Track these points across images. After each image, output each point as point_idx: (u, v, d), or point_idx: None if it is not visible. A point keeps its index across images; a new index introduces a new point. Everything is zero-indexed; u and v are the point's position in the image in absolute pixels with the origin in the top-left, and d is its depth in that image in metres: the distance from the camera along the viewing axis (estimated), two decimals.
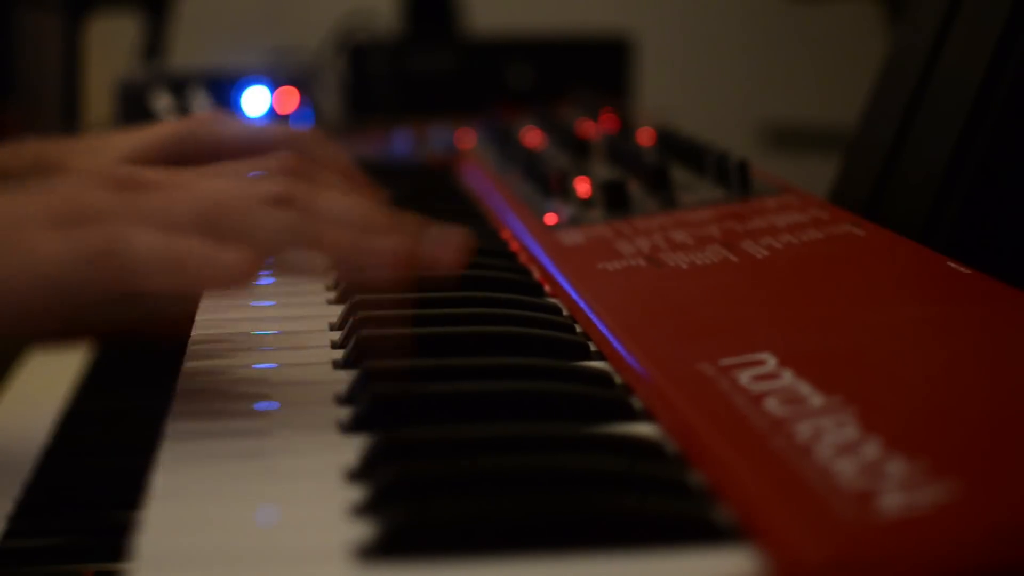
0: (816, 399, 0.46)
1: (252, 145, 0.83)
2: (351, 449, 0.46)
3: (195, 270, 0.49)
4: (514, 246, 0.78)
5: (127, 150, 0.81)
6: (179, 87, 1.48)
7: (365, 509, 0.42)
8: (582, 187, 0.83)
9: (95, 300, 0.51)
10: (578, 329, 0.61)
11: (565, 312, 0.64)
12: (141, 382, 0.92)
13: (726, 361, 0.51)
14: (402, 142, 1.21)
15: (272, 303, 0.69)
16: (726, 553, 0.39)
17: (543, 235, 0.76)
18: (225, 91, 1.47)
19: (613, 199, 0.78)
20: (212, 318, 0.65)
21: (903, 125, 0.76)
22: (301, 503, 0.43)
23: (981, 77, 0.69)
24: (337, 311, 0.65)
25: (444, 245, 0.55)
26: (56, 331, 0.53)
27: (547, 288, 0.69)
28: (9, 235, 0.50)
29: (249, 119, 0.87)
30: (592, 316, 0.60)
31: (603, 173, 0.89)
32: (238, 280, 0.49)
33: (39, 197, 0.52)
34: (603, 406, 0.51)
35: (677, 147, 0.90)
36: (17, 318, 0.50)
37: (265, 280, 0.74)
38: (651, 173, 0.81)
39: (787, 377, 0.48)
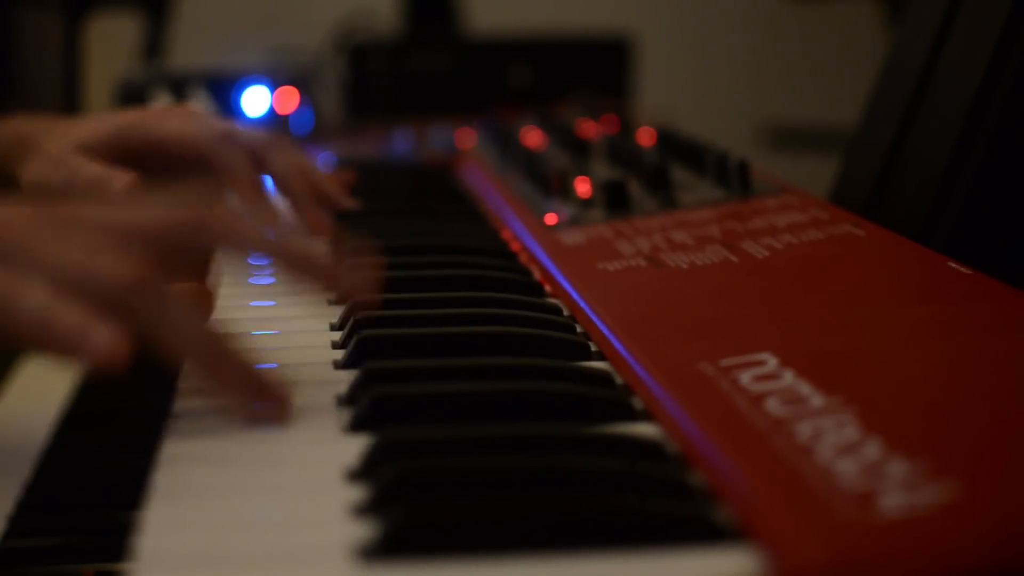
0: (817, 399, 0.46)
1: (193, 148, 0.84)
2: (352, 449, 0.46)
3: (64, 340, 0.49)
4: (514, 246, 0.78)
5: (82, 138, 0.83)
6: (179, 87, 1.48)
7: (366, 509, 0.42)
8: (582, 187, 0.83)
9: None
10: (579, 329, 0.61)
11: (566, 312, 0.64)
12: (141, 382, 0.92)
13: (727, 361, 0.51)
14: (402, 142, 1.21)
15: (272, 303, 0.69)
16: (727, 553, 0.39)
17: (543, 235, 0.76)
18: (225, 91, 1.47)
19: (613, 199, 0.78)
20: (212, 318, 0.65)
21: (903, 125, 0.76)
22: (302, 503, 0.43)
23: (981, 77, 0.69)
24: (337, 311, 0.65)
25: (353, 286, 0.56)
26: None
27: (548, 288, 0.69)
28: None
29: (210, 117, 0.87)
30: (593, 316, 0.60)
31: (603, 173, 0.89)
32: (102, 361, 0.48)
33: None
34: (604, 406, 0.51)
35: (677, 147, 0.90)
36: None
37: (265, 280, 0.74)
38: (651, 173, 0.81)
39: (788, 377, 0.48)
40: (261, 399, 0.51)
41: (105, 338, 0.48)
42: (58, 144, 0.83)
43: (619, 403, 0.51)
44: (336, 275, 0.56)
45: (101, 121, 0.86)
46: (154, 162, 0.85)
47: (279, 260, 0.55)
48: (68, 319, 0.49)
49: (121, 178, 0.80)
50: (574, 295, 0.64)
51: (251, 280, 0.74)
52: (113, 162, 0.83)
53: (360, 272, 0.56)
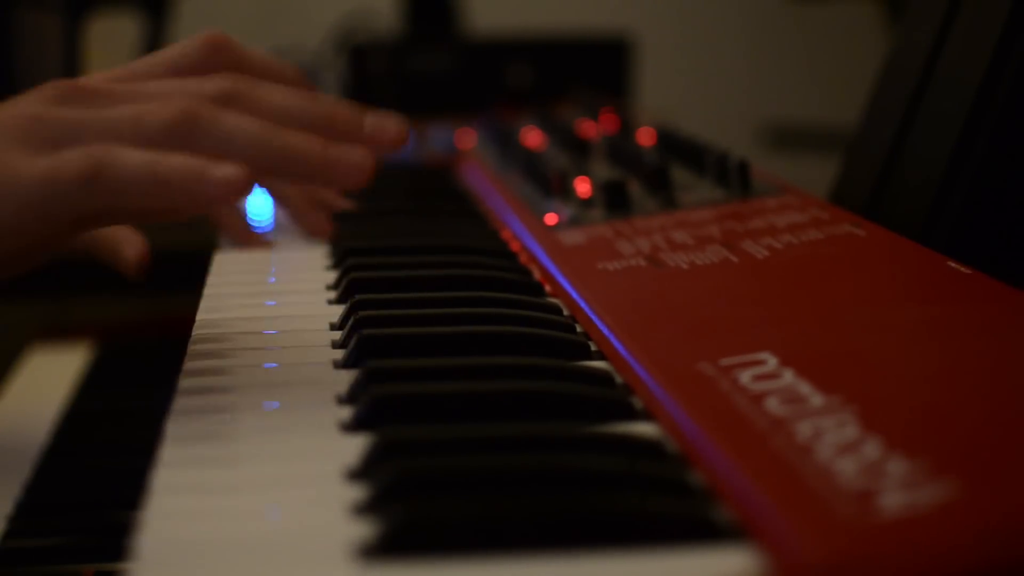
0: (816, 399, 0.46)
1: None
2: (352, 449, 0.46)
3: (187, 186, 0.48)
4: (514, 246, 0.78)
5: None
6: None
7: (366, 508, 0.42)
8: (582, 187, 0.83)
9: (79, 220, 0.50)
10: (578, 329, 0.61)
11: (566, 312, 0.64)
12: (141, 382, 0.92)
13: (726, 361, 0.51)
14: None
15: (272, 303, 0.69)
16: (726, 553, 0.39)
17: (543, 235, 0.76)
18: None
19: (613, 199, 0.78)
20: (212, 318, 0.65)
21: (903, 125, 0.76)
22: (302, 502, 0.43)
23: (981, 77, 0.69)
24: (337, 311, 0.65)
25: (389, 129, 0.55)
26: (19, 255, 0.53)
27: (548, 288, 0.69)
28: None
29: None
30: (592, 316, 0.60)
31: (603, 173, 0.89)
32: (233, 195, 0.48)
33: (1, 124, 0.51)
34: (604, 406, 0.51)
35: (677, 147, 0.90)
36: (4, 242, 0.50)
37: (265, 280, 0.74)
38: (651, 173, 0.81)
39: (787, 377, 0.48)
40: (346, 174, 0.51)
41: (226, 169, 0.48)
42: None
43: (619, 403, 0.51)
44: (362, 124, 0.55)
45: None
46: None
47: (308, 117, 0.54)
48: (176, 162, 0.48)
49: (132, 244, 0.77)
50: (574, 295, 0.64)
51: (251, 280, 0.74)
52: None
53: (385, 120, 0.55)
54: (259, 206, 0.94)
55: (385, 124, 0.55)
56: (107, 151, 0.49)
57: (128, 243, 0.77)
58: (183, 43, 0.57)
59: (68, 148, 0.49)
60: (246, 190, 0.49)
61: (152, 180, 0.48)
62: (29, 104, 0.52)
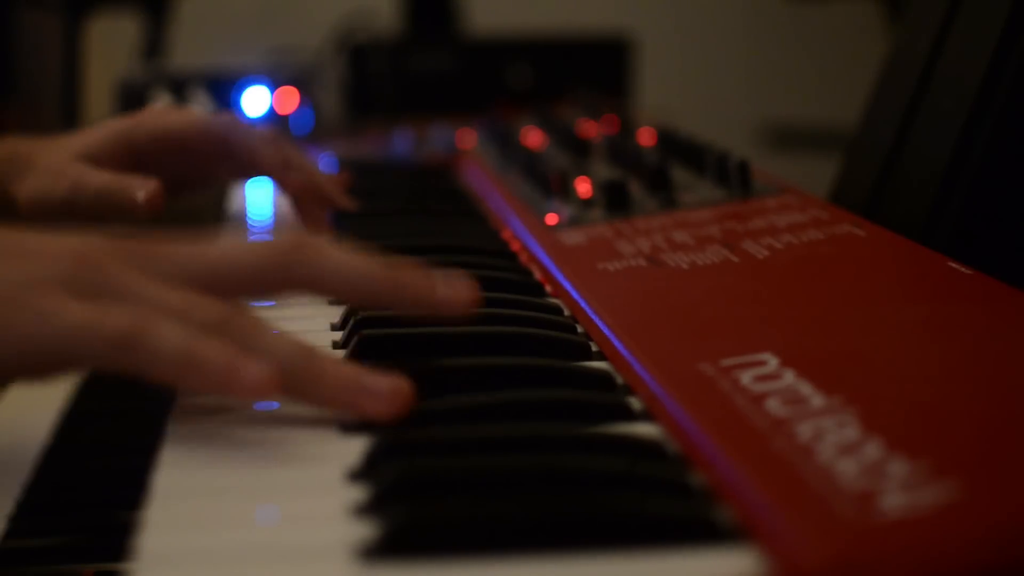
0: (817, 399, 0.46)
1: (208, 133, 0.84)
2: (353, 449, 0.46)
3: (214, 375, 0.48)
4: (515, 246, 0.78)
5: (81, 148, 0.82)
6: (179, 87, 1.48)
7: (367, 509, 0.42)
8: (582, 187, 0.83)
9: (99, 370, 0.51)
10: (579, 329, 0.61)
11: (566, 312, 0.64)
12: (141, 382, 0.92)
13: (727, 361, 0.51)
14: (402, 142, 1.21)
15: (272, 303, 0.68)
16: (727, 554, 0.39)
17: (544, 235, 0.76)
18: (225, 91, 1.47)
19: (614, 199, 0.78)
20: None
21: (903, 125, 0.76)
22: (302, 503, 0.43)
23: (981, 77, 0.69)
24: (338, 311, 0.65)
25: (456, 292, 0.55)
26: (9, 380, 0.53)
27: (548, 288, 0.69)
28: (27, 295, 0.49)
29: (220, 113, 0.87)
30: (593, 316, 0.60)
31: (603, 173, 0.89)
32: (257, 394, 0.48)
33: (50, 257, 0.51)
34: (604, 406, 0.51)
35: (677, 147, 0.90)
36: (19, 370, 0.50)
37: None
38: (651, 173, 0.81)
39: (788, 377, 0.48)
40: (370, 400, 0.50)
41: (255, 370, 0.48)
42: (56, 156, 0.82)
43: (619, 403, 0.51)
44: (433, 289, 0.55)
45: (99, 128, 0.85)
46: (160, 162, 0.84)
47: (376, 287, 0.54)
48: (213, 353, 0.48)
49: (142, 184, 0.78)
50: (574, 295, 0.64)
51: None
52: (118, 167, 0.82)
53: (455, 283, 0.55)
54: (260, 201, 0.94)
55: (456, 291, 0.55)
56: (151, 320, 0.49)
57: (139, 185, 0.77)
58: (266, 246, 0.56)
59: (116, 307, 0.49)
60: (276, 392, 0.49)
61: (185, 361, 0.48)
62: (84, 246, 0.52)
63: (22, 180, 0.82)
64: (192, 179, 0.85)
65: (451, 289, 0.55)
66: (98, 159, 0.82)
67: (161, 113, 0.86)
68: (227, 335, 0.49)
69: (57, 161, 0.81)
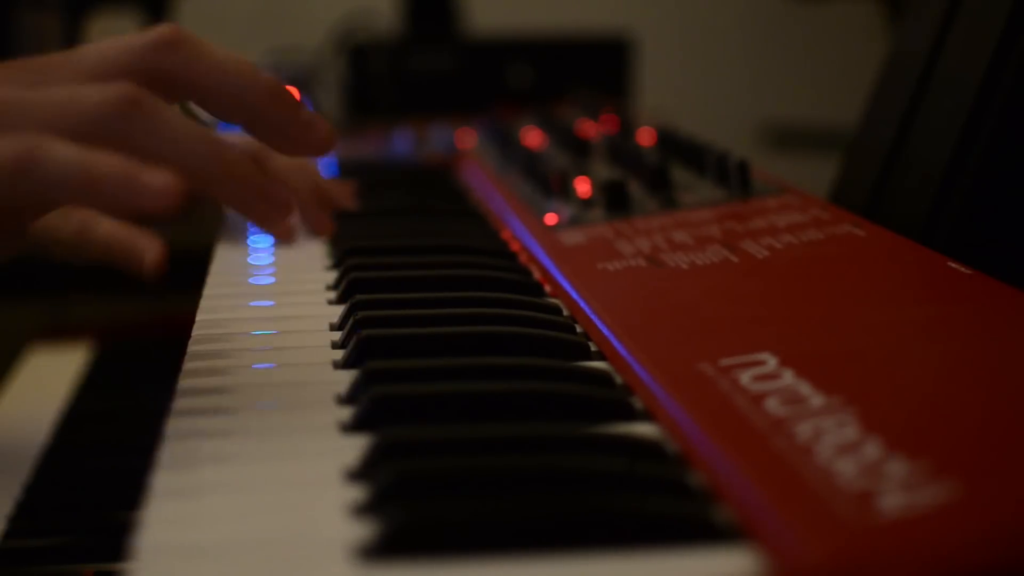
0: (816, 399, 0.46)
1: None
2: (351, 449, 0.46)
3: (116, 190, 0.46)
4: (514, 246, 0.78)
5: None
6: None
7: (365, 509, 0.42)
8: (582, 187, 0.83)
9: (6, 211, 0.49)
10: (578, 329, 0.61)
11: (565, 312, 0.64)
12: (141, 382, 0.92)
13: (726, 361, 0.51)
14: (402, 142, 1.21)
15: (272, 303, 0.69)
16: (726, 553, 0.39)
17: (543, 235, 0.76)
18: None
19: (613, 199, 0.78)
20: (212, 318, 0.65)
21: (903, 125, 0.76)
22: (301, 503, 0.43)
23: (981, 77, 0.69)
24: (337, 311, 0.65)
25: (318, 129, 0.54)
26: None
27: (547, 288, 0.69)
28: None
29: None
30: (592, 316, 0.60)
31: (603, 173, 0.89)
32: (160, 205, 0.46)
33: None
34: (603, 406, 0.51)
35: (677, 147, 0.90)
36: None
37: (265, 280, 0.74)
38: (651, 173, 0.81)
39: (788, 377, 0.48)
40: (273, 210, 0.49)
41: (160, 178, 0.46)
42: None
43: (619, 403, 0.51)
44: (307, 122, 0.54)
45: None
46: None
47: (248, 93, 0.54)
48: (110, 162, 0.46)
49: (148, 247, 0.77)
50: (574, 295, 0.64)
51: (251, 280, 0.74)
52: None
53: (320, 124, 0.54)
54: None
55: (319, 124, 0.54)
56: (38, 144, 0.47)
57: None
58: (136, 34, 0.54)
59: (4, 135, 0.47)
60: (178, 202, 0.46)
61: (81, 180, 0.46)
62: None
63: None
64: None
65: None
66: None
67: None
68: (126, 132, 0.48)
69: None
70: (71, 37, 1.65)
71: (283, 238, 0.50)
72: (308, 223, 0.83)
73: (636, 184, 0.83)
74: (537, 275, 0.71)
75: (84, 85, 0.49)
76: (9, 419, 0.87)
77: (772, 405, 0.46)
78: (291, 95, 0.54)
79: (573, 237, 0.74)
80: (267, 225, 0.51)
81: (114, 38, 0.54)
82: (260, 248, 0.82)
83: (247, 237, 0.84)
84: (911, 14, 0.82)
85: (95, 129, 0.48)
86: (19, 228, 0.52)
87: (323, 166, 0.99)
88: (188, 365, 0.57)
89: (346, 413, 0.50)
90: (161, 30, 0.53)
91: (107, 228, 0.78)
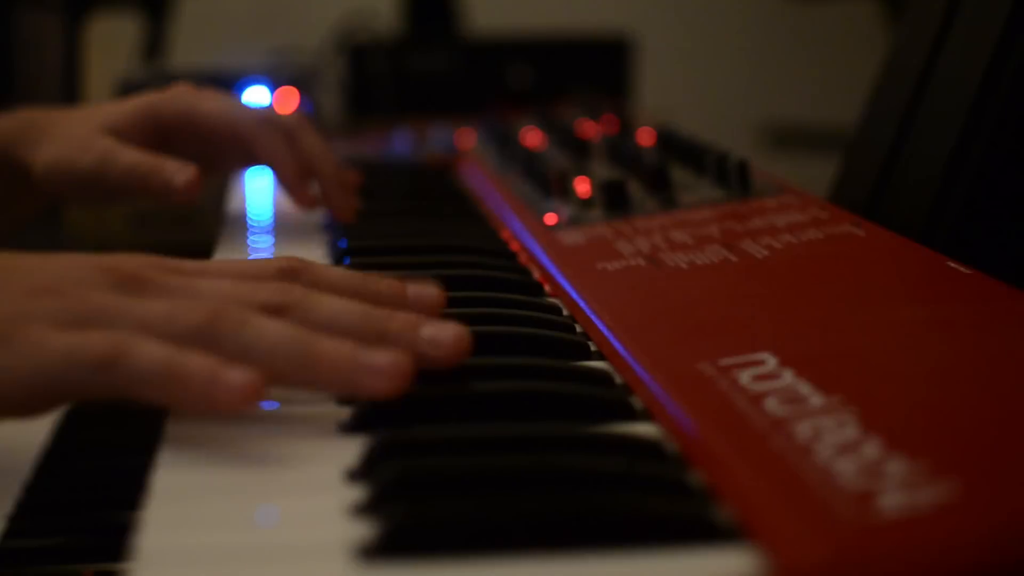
0: (816, 399, 0.46)
1: (234, 129, 0.83)
2: (351, 449, 0.46)
3: (198, 388, 0.48)
4: (514, 246, 0.78)
5: (106, 120, 0.81)
6: None
7: (365, 509, 0.42)
8: (582, 187, 0.83)
9: (87, 399, 0.51)
10: (578, 329, 0.61)
11: (565, 312, 0.64)
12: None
13: (726, 361, 0.51)
14: (402, 142, 1.22)
15: None
16: (726, 553, 0.39)
17: (543, 235, 0.76)
18: (225, 91, 1.47)
19: (613, 199, 0.78)
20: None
21: (903, 125, 0.76)
22: (301, 503, 0.43)
23: (981, 77, 0.69)
24: None
25: (444, 343, 0.52)
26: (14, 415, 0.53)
27: (547, 288, 0.69)
28: (18, 328, 0.49)
29: (235, 98, 0.86)
30: (592, 316, 0.60)
31: (603, 173, 0.89)
32: (242, 402, 0.48)
33: (32, 290, 0.50)
34: (603, 406, 0.51)
35: (677, 147, 0.90)
36: (11, 406, 0.50)
37: None
38: (651, 173, 0.81)
39: (787, 377, 0.48)
40: (368, 377, 0.49)
41: (237, 378, 0.47)
42: (80, 126, 0.81)
43: (618, 403, 0.51)
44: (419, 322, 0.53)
45: (124, 102, 0.84)
46: (184, 142, 0.83)
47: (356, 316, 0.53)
48: (194, 364, 0.48)
49: (181, 168, 0.78)
50: (574, 295, 0.64)
51: None
52: (142, 143, 0.81)
53: (443, 331, 0.52)
54: (259, 201, 0.94)
55: (441, 336, 0.52)
56: (130, 340, 0.48)
57: (176, 168, 0.77)
58: (263, 260, 0.56)
59: (95, 333, 0.49)
60: (262, 397, 0.48)
61: (167, 376, 0.48)
62: (80, 279, 0.52)
63: (38, 147, 0.81)
64: (205, 164, 0.84)
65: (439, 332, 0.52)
66: (123, 133, 0.81)
67: (191, 95, 0.85)
68: (216, 340, 0.49)
69: (81, 132, 0.81)
70: (71, 37, 1.65)
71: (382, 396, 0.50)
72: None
73: (636, 184, 0.83)
74: (537, 275, 0.71)
75: (183, 302, 0.51)
76: None
77: (772, 405, 0.46)
78: (406, 326, 0.52)
79: (573, 237, 0.74)
80: (366, 394, 0.50)
81: (232, 267, 0.55)
82: (260, 248, 0.82)
83: (247, 237, 0.84)
84: (911, 14, 0.82)
85: (185, 337, 0.49)
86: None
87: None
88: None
89: (345, 413, 0.50)
90: (273, 289, 0.53)
91: (130, 156, 0.79)
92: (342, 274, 0.56)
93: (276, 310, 0.52)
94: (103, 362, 0.48)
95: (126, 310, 0.50)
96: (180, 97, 0.84)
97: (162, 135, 0.82)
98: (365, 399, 0.49)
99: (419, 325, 0.52)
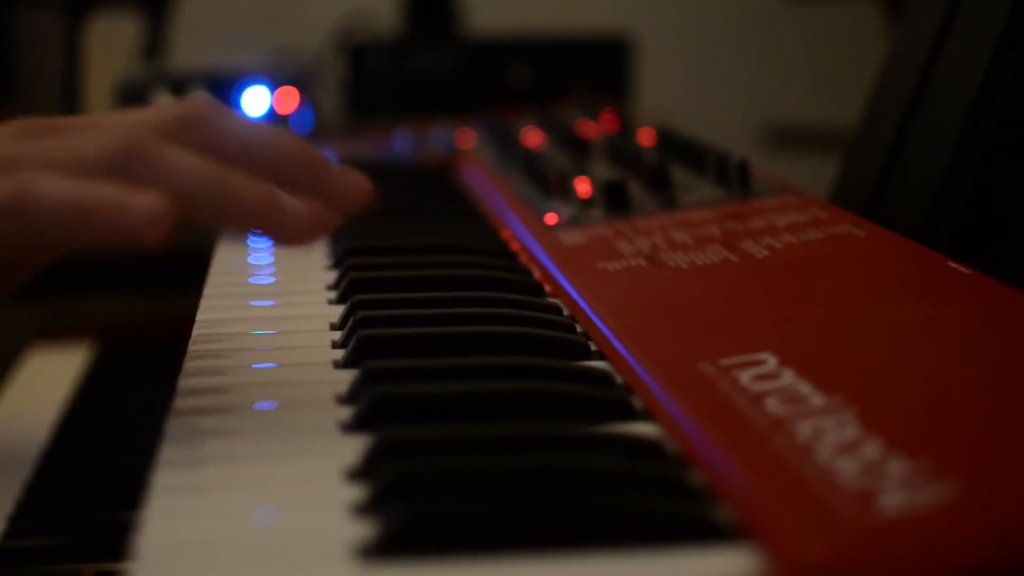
0: (816, 399, 0.46)
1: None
2: (352, 449, 0.46)
3: (105, 216, 0.46)
4: (514, 246, 0.78)
5: None
6: (179, 87, 1.48)
7: (366, 509, 0.42)
8: (582, 187, 0.83)
9: (9, 251, 0.49)
10: (579, 329, 0.61)
11: (566, 312, 0.64)
12: (141, 382, 0.92)
13: (726, 361, 0.51)
14: (402, 142, 1.21)
15: (272, 303, 0.69)
16: (726, 553, 0.39)
17: (543, 235, 0.76)
18: (225, 91, 1.47)
19: (613, 199, 0.78)
20: (212, 318, 0.65)
21: (903, 125, 0.76)
22: (301, 503, 0.43)
23: (981, 77, 0.69)
24: (337, 311, 0.65)
25: (355, 183, 0.53)
26: None
27: (547, 288, 0.69)
28: None
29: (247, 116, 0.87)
30: (593, 316, 0.60)
31: (603, 173, 0.89)
32: (151, 225, 0.46)
33: None
34: (603, 406, 0.51)
35: (677, 147, 0.90)
36: None
37: (265, 280, 0.74)
38: (651, 173, 0.81)
39: (787, 377, 0.48)
40: (287, 219, 0.49)
41: (148, 200, 0.46)
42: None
43: (619, 403, 0.51)
44: (334, 177, 0.53)
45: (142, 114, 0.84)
46: None
47: (273, 155, 0.52)
48: (99, 192, 0.46)
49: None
50: (574, 295, 0.64)
51: (251, 280, 0.74)
52: None
53: (351, 176, 0.53)
54: None
55: (350, 179, 0.53)
56: (32, 180, 0.47)
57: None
58: (164, 105, 0.55)
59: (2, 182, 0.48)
60: (171, 223, 0.46)
61: (74, 209, 0.47)
62: None
63: None
64: None
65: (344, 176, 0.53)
66: None
67: (208, 112, 0.85)
68: (128, 169, 0.48)
69: None
70: (71, 37, 1.65)
71: (298, 242, 0.50)
72: (316, 216, 0.83)
73: (636, 184, 0.83)
74: (537, 275, 0.71)
75: (91, 135, 0.50)
76: (9, 419, 0.87)
77: (772, 405, 0.46)
78: (318, 155, 0.53)
79: (573, 237, 0.74)
80: (283, 237, 0.50)
81: (136, 110, 0.54)
82: (260, 248, 0.82)
83: (247, 238, 0.84)
84: (911, 14, 0.82)
85: (94, 170, 0.48)
86: (27, 270, 0.53)
87: None
88: (188, 365, 0.57)
89: (346, 413, 0.50)
90: (187, 104, 0.52)
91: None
92: (252, 123, 0.55)
93: (181, 129, 0.50)
94: (9, 208, 0.47)
95: (30, 152, 0.49)
96: (201, 116, 0.84)
97: None
98: (281, 243, 0.49)
99: (329, 166, 0.52)
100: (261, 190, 0.49)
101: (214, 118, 0.52)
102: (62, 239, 0.48)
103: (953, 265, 0.59)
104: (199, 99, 0.54)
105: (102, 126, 0.52)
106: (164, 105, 0.54)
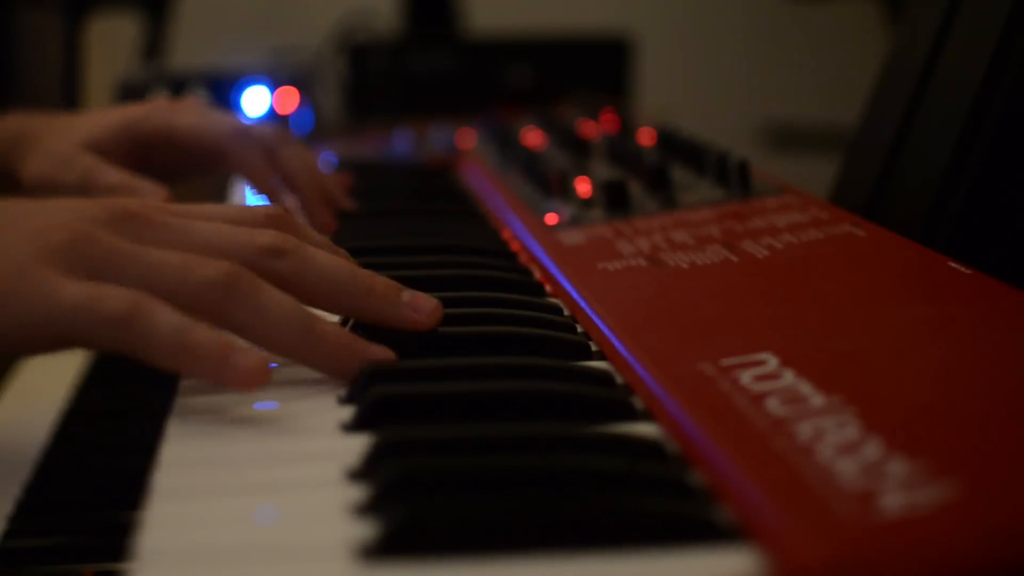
0: (817, 399, 0.46)
1: (208, 143, 0.85)
2: (352, 449, 0.46)
3: (208, 364, 0.49)
4: (515, 246, 0.78)
5: (87, 136, 0.83)
6: (179, 87, 1.48)
7: (366, 508, 0.42)
8: (582, 187, 0.83)
9: (92, 348, 0.52)
10: (579, 329, 0.61)
11: (566, 312, 0.64)
12: (141, 382, 0.92)
13: (727, 361, 0.51)
14: (402, 142, 1.22)
15: None
16: (726, 553, 0.39)
17: (544, 235, 0.76)
18: (225, 91, 1.47)
19: (613, 199, 0.78)
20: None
21: (903, 125, 0.76)
22: (302, 502, 0.43)
23: (981, 77, 0.69)
24: None
25: (423, 308, 0.57)
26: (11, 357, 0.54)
27: (548, 288, 0.69)
28: (28, 273, 0.50)
29: (219, 112, 0.88)
30: (593, 316, 0.60)
31: (603, 173, 0.89)
32: (250, 385, 0.50)
33: (40, 230, 0.51)
34: (604, 406, 0.51)
35: (677, 147, 0.90)
36: (20, 347, 0.51)
37: None
38: (651, 173, 0.81)
39: (788, 377, 0.48)
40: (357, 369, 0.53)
41: (249, 362, 0.49)
42: (64, 141, 0.83)
43: (619, 403, 0.51)
44: (407, 302, 0.57)
45: (106, 115, 0.86)
46: (162, 155, 0.85)
47: (347, 298, 0.57)
48: (206, 339, 0.49)
49: (153, 192, 0.79)
50: (574, 295, 0.64)
51: None
52: (122, 158, 0.83)
53: (421, 299, 0.57)
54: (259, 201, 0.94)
55: (420, 303, 0.57)
56: (147, 303, 0.49)
57: (153, 190, 0.78)
58: (245, 206, 0.59)
59: (109, 281, 0.50)
60: (267, 381, 0.50)
61: (177, 347, 0.49)
62: (81, 220, 0.52)
63: (27, 160, 0.83)
64: (186, 175, 0.87)
65: (415, 300, 0.57)
66: (104, 149, 0.83)
67: (168, 110, 0.87)
68: (228, 302, 0.51)
69: (65, 148, 0.82)
70: (71, 37, 1.65)
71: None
72: (312, 220, 0.84)
73: (636, 184, 0.83)
74: (537, 275, 0.71)
75: (195, 256, 0.52)
76: (9, 419, 0.87)
77: (772, 405, 0.46)
78: (391, 285, 0.57)
79: (573, 237, 0.74)
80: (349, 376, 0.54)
81: (222, 212, 0.58)
82: None
83: None
84: (911, 14, 0.82)
85: (199, 302, 0.51)
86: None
87: (324, 164, 0.99)
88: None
89: (347, 413, 0.50)
90: (272, 236, 0.56)
91: (110, 177, 0.80)
92: (321, 236, 0.61)
93: (276, 254, 0.54)
94: (119, 321, 0.49)
95: (136, 257, 0.51)
96: (157, 112, 0.86)
97: (142, 150, 0.85)
98: (349, 382, 0.53)
99: (400, 288, 0.57)
100: (343, 340, 0.53)
101: (300, 251, 0.56)
102: (149, 362, 0.50)
103: (953, 265, 0.59)
104: (282, 216, 0.58)
105: (200, 235, 0.54)
106: (251, 213, 0.58)
